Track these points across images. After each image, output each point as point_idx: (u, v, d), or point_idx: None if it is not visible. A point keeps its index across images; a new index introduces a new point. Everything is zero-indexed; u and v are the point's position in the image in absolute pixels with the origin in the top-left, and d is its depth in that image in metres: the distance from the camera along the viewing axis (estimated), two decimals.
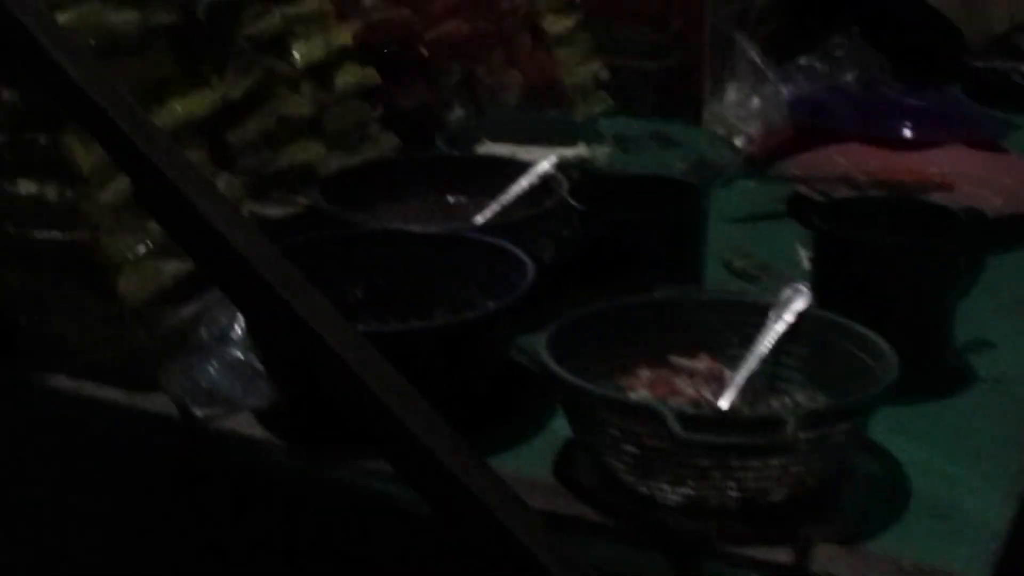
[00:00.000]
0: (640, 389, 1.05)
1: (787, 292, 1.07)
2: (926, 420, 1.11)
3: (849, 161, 1.58)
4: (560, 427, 1.05)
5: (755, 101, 1.72)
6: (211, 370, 1.10)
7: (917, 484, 1.02)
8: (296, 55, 1.33)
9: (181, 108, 1.18)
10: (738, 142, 1.69)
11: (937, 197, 1.43)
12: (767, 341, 1.04)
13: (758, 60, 1.75)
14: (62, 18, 1.07)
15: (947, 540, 0.95)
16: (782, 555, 0.92)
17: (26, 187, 1.13)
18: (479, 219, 1.27)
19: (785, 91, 1.74)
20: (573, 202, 1.22)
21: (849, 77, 1.83)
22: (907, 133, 1.71)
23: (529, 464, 1.04)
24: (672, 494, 0.95)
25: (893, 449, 1.05)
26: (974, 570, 0.92)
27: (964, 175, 1.54)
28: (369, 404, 0.80)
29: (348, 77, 1.41)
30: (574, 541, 0.94)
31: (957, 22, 1.99)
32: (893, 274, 1.13)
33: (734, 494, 0.94)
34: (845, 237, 1.16)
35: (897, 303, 1.12)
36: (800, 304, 1.06)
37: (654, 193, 1.27)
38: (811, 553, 0.91)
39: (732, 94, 1.74)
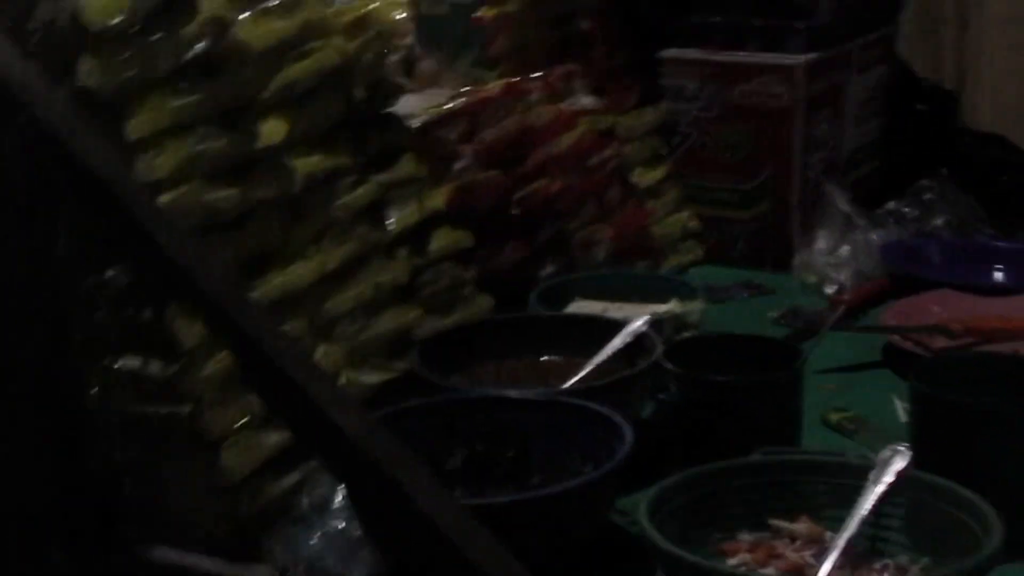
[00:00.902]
0: (741, 554, 1.05)
1: (886, 452, 1.06)
2: None
3: (943, 309, 1.58)
4: None
5: (845, 248, 1.73)
6: (312, 541, 1.11)
7: None
8: (390, 221, 1.36)
9: (281, 280, 1.21)
10: (829, 290, 1.69)
11: None
12: (867, 503, 1.03)
13: (847, 207, 1.77)
14: (165, 198, 1.11)
15: None
16: None
17: (130, 362, 1.16)
18: (574, 381, 1.28)
19: (875, 237, 1.75)
20: (668, 364, 1.23)
21: (940, 222, 1.84)
22: (1000, 279, 1.70)
23: None
24: None
25: None
26: None
27: None
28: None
29: (442, 241, 1.43)
30: None
31: None
32: (996, 435, 1.12)
33: None
34: (947, 399, 1.15)
35: (1000, 464, 1.10)
36: (900, 464, 1.05)
37: (750, 352, 1.27)
38: None
39: (822, 242, 1.75)
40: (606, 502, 1.12)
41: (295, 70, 1.24)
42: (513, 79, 1.74)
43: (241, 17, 1.18)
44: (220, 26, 1.15)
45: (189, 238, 0.99)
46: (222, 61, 1.17)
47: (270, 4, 1.22)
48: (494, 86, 1.73)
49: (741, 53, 1.83)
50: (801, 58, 1.78)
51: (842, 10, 1.89)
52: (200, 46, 1.14)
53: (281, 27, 1.22)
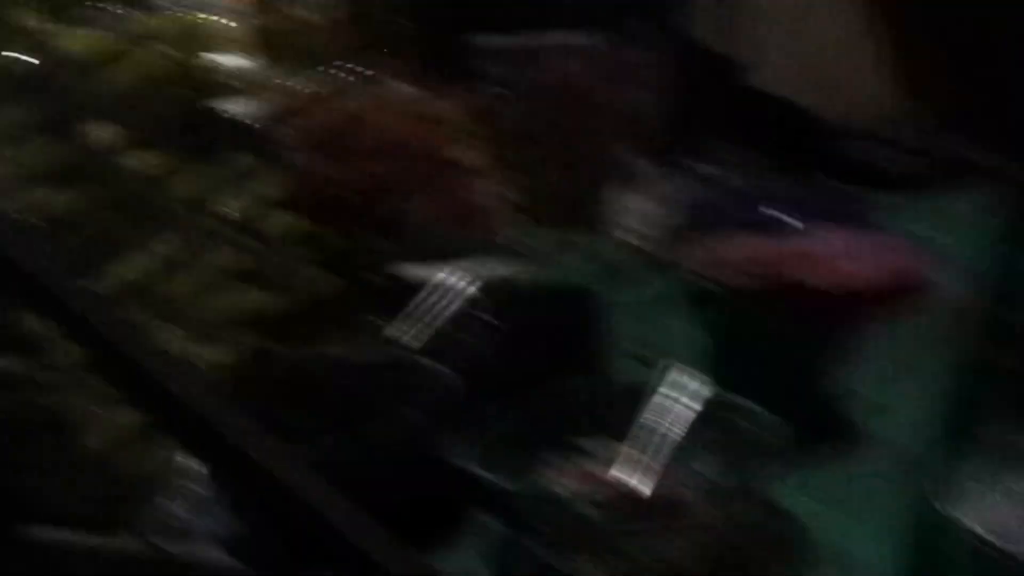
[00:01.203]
0: (564, 481, 1.05)
1: (683, 375, 1.07)
2: (826, 481, 1.11)
3: (735, 250, 1.59)
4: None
5: (647, 203, 1.74)
6: (178, 507, 1.09)
7: (820, 538, 1.02)
8: (228, 211, 1.33)
9: (121, 271, 1.18)
10: (636, 241, 1.70)
11: (820, 279, 1.44)
12: (672, 423, 1.04)
13: (646, 166, 1.78)
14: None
15: None
16: None
17: None
18: (405, 341, 1.26)
19: (674, 192, 1.77)
20: (483, 315, 1.23)
21: (730, 173, 1.86)
22: (789, 222, 1.72)
23: (471, 562, 1.03)
24: (595, 573, 0.95)
25: (798, 508, 1.05)
26: None
27: (843, 254, 1.55)
28: (317, 526, 0.80)
29: (279, 226, 1.41)
30: None
31: (826, 116, 2.04)
32: (785, 357, 1.13)
33: (647, 568, 0.94)
34: (736, 326, 1.16)
35: (792, 381, 1.12)
36: (695, 385, 1.06)
37: (559, 300, 1.27)
38: None
39: (627, 198, 1.76)
40: (435, 445, 1.10)
41: (120, 76, 1.21)
42: (340, 74, 1.72)
43: (60, 28, 1.15)
44: (38, 38, 1.11)
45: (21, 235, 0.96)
46: (46, 72, 1.14)
47: (91, 15, 1.18)
48: (323, 81, 1.70)
49: (541, 37, 1.83)
50: (592, 38, 1.78)
51: None
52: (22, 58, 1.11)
53: (101, 37, 1.19)
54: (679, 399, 1.06)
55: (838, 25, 2.15)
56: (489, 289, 1.40)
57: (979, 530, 0.85)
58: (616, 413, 1.10)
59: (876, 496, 1.08)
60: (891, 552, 1.00)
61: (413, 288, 1.45)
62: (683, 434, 1.05)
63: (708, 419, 1.06)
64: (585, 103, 1.81)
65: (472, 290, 1.33)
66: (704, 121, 1.98)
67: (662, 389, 1.09)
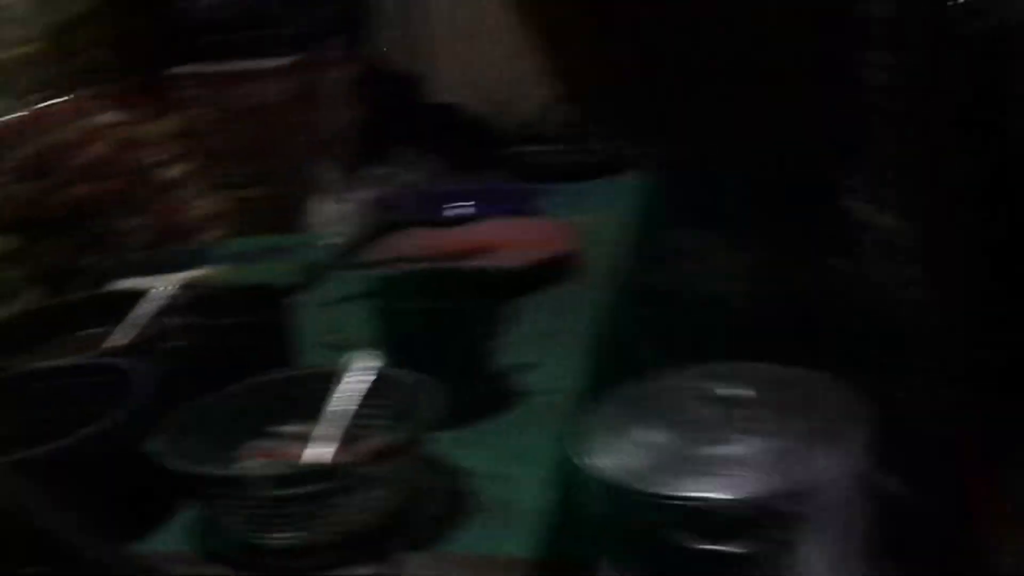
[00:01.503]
0: (254, 460, 1.04)
1: (363, 357, 1.08)
2: (484, 435, 1.13)
3: (416, 243, 1.63)
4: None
5: (343, 207, 1.75)
6: None
7: (481, 488, 1.03)
8: None
9: None
10: (332, 241, 1.70)
11: (484, 260, 1.48)
12: (350, 400, 1.05)
13: (340, 174, 1.79)
14: None
15: (504, 531, 0.97)
16: (373, 570, 0.93)
17: None
18: (107, 345, 1.22)
19: (364, 195, 1.78)
20: (191, 319, 1.21)
21: (415, 176, 1.89)
22: (462, 214, 1.77)
23: (178, 542, 1.01)
24: (285, 541, 0.95)
25: (463, 463, 1.07)
26: (523, 550, 0.94)
27: (506, 238, 1.60)
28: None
29: None
30: None
31: (494, 122, 2.10)
32: (440, 331, 1.15)
33: (330, 530, 0.95)
34: (400, 308, 1.18)
35: (448, 351, 1.14)
36: (372, 365, 1.07)
37: (260, 300, 1.26)
38: (397, 564, 0.93)
39: (322, 204, 1.76)
40: (135, 443, 1.07)
41: None
42: (45, 104, 1.65)
43: None
44: None
45: None
46: None
47: None
48: (28, 111, 1.63)
49: (237, 63, 1.81)
50: (285, 61, 1.78)
51: (315, 21, 1.90)
52: None
53: None
54: (361, 378, 1.07)
55: (504, 42, 2.21)
56: (195, 294, 1.38)
57: (609, 472, 0.89)
58: (309, 397, 1.10)
59: (531, 448, 1.10)
60: (547, 499, 1.01)
61: (124, 298, 1.41)
62: (361, 407, 1.06)
63: (384, 391, 1.07)
64: (280, 121, 1.80)
65: (179, 296, 1.30)
66: (391, 131, 2.00)
67: (348, 372, 1.10)
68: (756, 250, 1.64)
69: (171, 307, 1.27)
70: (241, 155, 1.81)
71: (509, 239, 1.58)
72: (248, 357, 1.17)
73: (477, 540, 0.97)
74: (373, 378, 1.07)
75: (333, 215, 1.76)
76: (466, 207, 1.77)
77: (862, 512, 0.85)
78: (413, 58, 2.21)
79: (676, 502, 0.83)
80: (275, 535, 0.95)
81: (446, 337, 1.17)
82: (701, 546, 0.83)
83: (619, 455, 0.90)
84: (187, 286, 1.37)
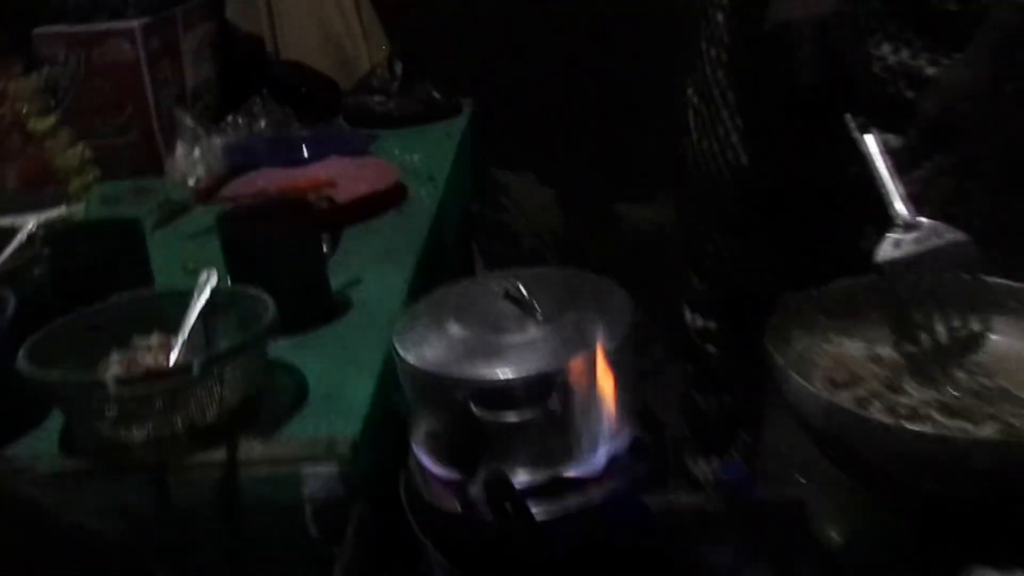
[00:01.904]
0: (116, 366, 1.02)
1: (205, 276, 1.06)
2: (321, 340, 1.13)
3: (264, 181, 1.60)
4: None
5: (197, 152, 1.70)
6: None
7: (316, 384, 1.04)
8: None
9: None
10: (191, 183, 1.66)
11: (322, 194, 1.47)
12: (195, 313, 1.04)
13: (194, 124, 1.73)
14: None
15: (336, 417, 0.98)
16: (219, 455, 0.92)
17: None
18: None
19: (219, 142, 1.73)
20: (47, 250, 1.16)
21: (263, 124, 1.85)
22: (305, 155, 1.74)
23: (45, 444, 0.99)
24: (137, 436, 0.94)
25: (300, 365, 1.07)
26: (350, 430, 0.96)
27: (343, 175, 1.59)
28: None
29: None
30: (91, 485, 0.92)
31: (335, 76, 2.06)
32: (271, 254, 1.14)
33: (181, 424, 0.94)
34: (242, 236, 1.16)
35: (281, 272, 1.13)
36: (213, 282, 1.05)
37: (114, 231, 1.22)
38: (239, 449, 0.93)
39: (181, 150, 1.71)
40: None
41: None
42: None
43: None
44: None
45: None
46: None
47: None
48: None
49: (94, 24, 1.72)
50: (136, 23, 1.70)
51: None
52: None
53: None
54: (207, 296, 1.05)
55: (343, 6, 2.18)
56: (63, 228, 1.33)
57: (420, 362, 0.90)
58: (165, 313, 1.07)
59: (362, 349, 1.10)
60: (371, 390, 1.03)
61: None
62: (210, 320, 1.05)
63: (227, 306, 1.06)
64: (141, 76, 1.73)
65: (47, 230, 1.25)
66: (243, 85, 1.95)
67: (200, 291, 1.08)
68: (556, 186, 1.68)
69: (40, 239, 1.22)
70: (105, 107, 1.73)
71: (349, 175, 1.57)
72: (110, 282, 1.14)
73: (312, 426, 0.97)
74: (218, 294, 1.06)
75: (189, 158, 1.71)
76: (309, 150, 1.75)
77: (625, 380, 0.88)
78: (262, 20, 2.15)
79: (472, 381, 0.86)
80: (132, 430, 0.94)
81: (286, 259, 1.16)
82: (493, 418, 0.85)
83: (430, 347, 0.91)
84: (55, 223, 1.33)
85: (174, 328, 1.05)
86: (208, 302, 1.05)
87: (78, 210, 1.42)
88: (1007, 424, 0.86)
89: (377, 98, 1.93)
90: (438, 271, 1.38)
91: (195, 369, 0.89)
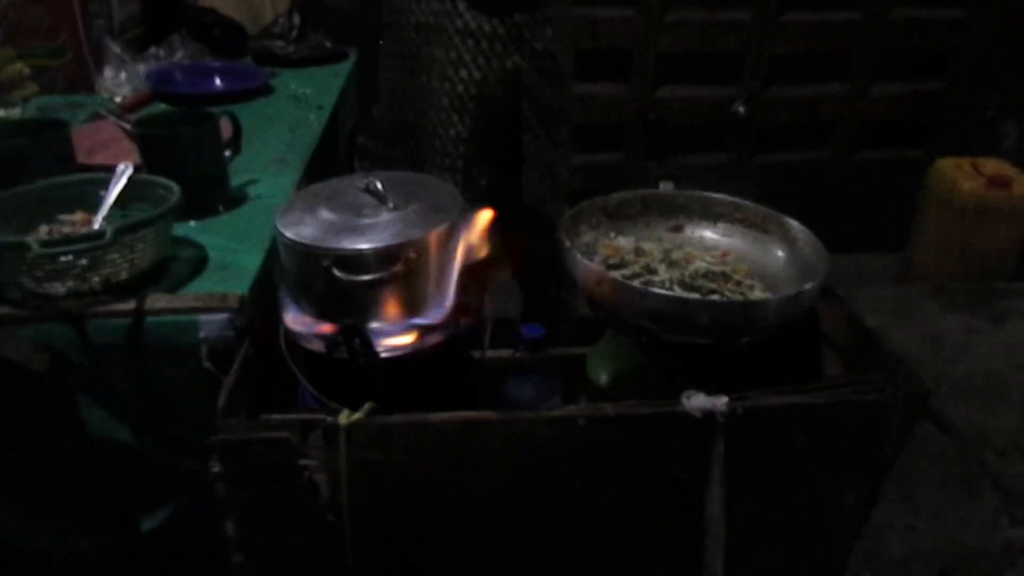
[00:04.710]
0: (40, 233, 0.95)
1: (122, 167, 1.00)
2: (221, 224, 1.08)
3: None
4: None
5: (123, 75, 1.59)
6: None
7: (215, 256, 1.01)
8: None
9: None
10: (118, 99, 1.54)
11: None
12: (113, 194, 0.98)
13: (121, 52, 1.61)
14: None
15: (230, 279, 0.96)
16: (130, 306, 0.89)
17: None
18: None
19: (142, 68, 1.62)
20: None
21: (180, 57, 1.73)
22: (218, 85, 1.65)
23: None
24: (60, 289, 0.89)
25: (204, 242, 1.03)
26: (240, 289, 0.92)
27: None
28: None
29: None
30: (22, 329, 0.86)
31: (243, 21, 1.94)
32: (169, 149, 1.07)
33: (97, 281, 0.89)
34: (156, 134, 1.09)
35: (187, 166, 1.06)
36: (129, 172, 1.00)
37: (42, 127, 1.12)
38: (145, 301, 0.89)
39: (109, 73, 1.59)
40: None
41: None
42: None
43: None
44: None
45: None
46: None
47: None
48: None
49: None
50: None
51: None
52: None
53: None
54: (124, 183, 0.99)
55: None
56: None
57: (291, 236, 0.88)
58: (87, 195, 1.00)
59: (253, 230, 1.07)
60: (259, 261, 1.00)
61: None
62: (124, 204, 0.99)
63: (142, 194, 1.00)
64: (68, 6, 1.58)
65: None
66: (165, 23, 1.81)
67: (117, 178, 1.01)
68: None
69: None
70: (42, 32, 1.58)
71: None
72: (39, 170, 1.05)
73: (209, 286, 0.94)
74: (126, 181, 1.00)
75: (117, 80, 1.59)
76: (221, 80, 1.65)
77: (454, 254, 0.89)
78: None
79: (335, 251, 0.85)
80: (56, 285, 0.89)
81: (190, 156, 1.10)
82: (351, 279, 0.85)
83: (304, 226, 0.89)
84: None
85: (92, 207, 0.99)
86: (126, 189, 0.99)
87: (14, 113, 1.30)
88: (723, 295, 0.92)
89: (278, 43, 1.84)
90: (317, 173, 1.34)
91: (108, 235, 0.84)
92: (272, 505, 0.82)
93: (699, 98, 2.48)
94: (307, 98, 1.60)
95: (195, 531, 0.94)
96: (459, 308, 0.92)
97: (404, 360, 0.88)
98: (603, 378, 0.99)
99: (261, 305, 0.94)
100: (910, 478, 1.47)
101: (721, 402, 0.78)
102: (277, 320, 0.90)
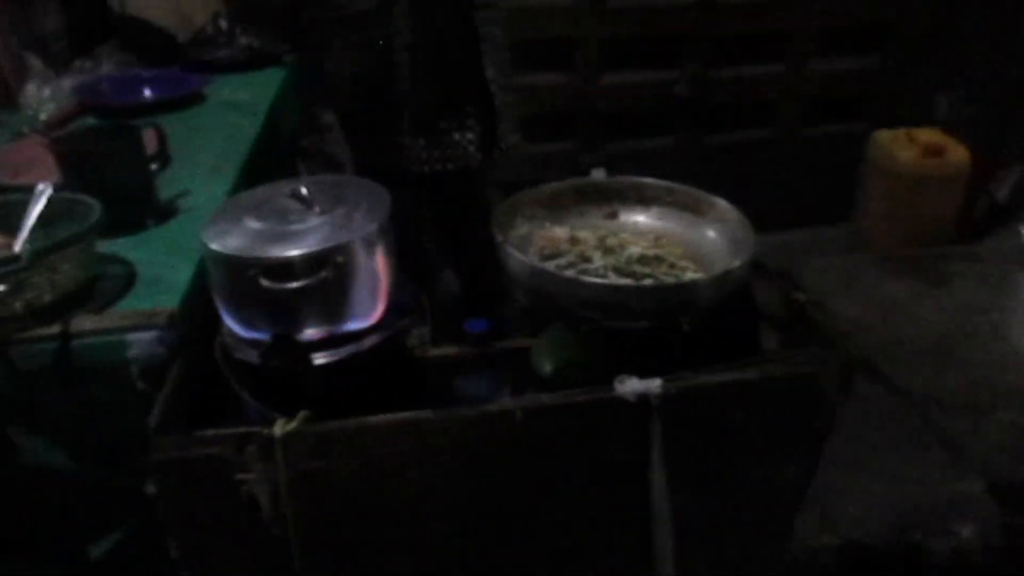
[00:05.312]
0: None
1: (41, 187, 0.97)
2: (151, 238, 1.06)
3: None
4: None
5: (47, 91, 1.55)
6: None
7: (145, 272, 0.98)
8: None
9: None
10: (43, 116, 1.50)
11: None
12: (32, 215, 0.95)
13: (43, 66, 1.57)
14: None
15: (159, 295, 0.94)
16: (56, 329, 0.86)
17: None
18: None
19: (67, 82, 1.58)
20: None
21: (108, 68, 1.69)
22: (147, 95, 1.62)
23: None
24: None
25: (132, 259, 1.01)
26: (170, 304, 0.91)
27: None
28: None
29: None
30: None
31: (174, 29, 1.90)
32: (88, 165, 1.04)
33: (17, 305, 0.87)
34: (80, 151, 1.07)
35: (108, 182, 1.04)
36: (48, 192, 0.97)
37: None
38: (71, 323, 0.87)
39: (32, 88, 1.55)
40: None
41: None
42: None
43: None
44: None
45: None
46: None
47: None
48: None
49: None
50: None
51: None
52: None
53: None
54: (44, 203, 0.96)
55: None
56: None
57: (215, 247, 0.86)
58: (10, 215, 0.96)
59: (183, 243, 1.04)
60: (190, 274, 0.98)
61: None
62: (47, 224, 0.96)
63: (64, 213, 0.98)
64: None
65: None
66: (92, 35, 1.77)
67: (36, 199, 0.98)
68: (360, 120, 1.63)
69: None
70: None
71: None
72: None
73: (138, 303, 0.92)
74: (56, 202, 0.97)
75: (40, 95, 1.55)
76: (151, 89, 1.62)
77: (386, 256, 0.89)
78: None
79: (261, 260, 0.84)
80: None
81: (111, 170, 1.07)
82: (279, 288, 0.84)
83: (231, 237, 0.88)
84: None
85: (11, 230, 0.96)
86: (47, 209, 0.96)
87: None
88: (658, 278, 0.93)
89: (209, 48, 1.80)
90: (248, 181, 1.31)
91: (24, 258, 0.82)
92: (214, 522, 0.81)
93: (643, 83, 2.49)
94: (242, 103, 1.57)
95: (152, 552, 0.92)
96: (394, 308, 0.91)
97: (342, 365, 0.87)
98: (547, 369, 0.99)
99: (196, 319, 0.92)
100: (862, 440, 1.50)
101: (655, 385, 0.78)
102: (214, 332, 0.89)
